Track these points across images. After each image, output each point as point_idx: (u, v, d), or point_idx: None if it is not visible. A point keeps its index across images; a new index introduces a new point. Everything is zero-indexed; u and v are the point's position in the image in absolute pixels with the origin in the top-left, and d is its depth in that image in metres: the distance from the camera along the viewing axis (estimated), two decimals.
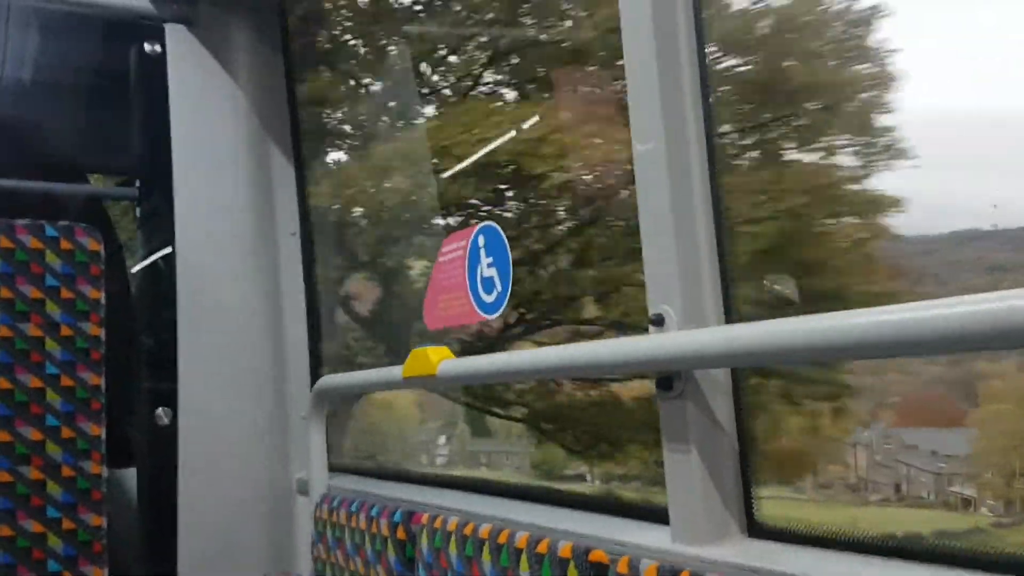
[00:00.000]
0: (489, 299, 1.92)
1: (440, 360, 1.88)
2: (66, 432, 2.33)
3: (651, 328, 1.33)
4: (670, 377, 1.30)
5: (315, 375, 2.88)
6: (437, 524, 1.77)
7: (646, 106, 1.36)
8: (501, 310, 1.87)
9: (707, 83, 1.36)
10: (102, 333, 2.39)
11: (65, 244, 2.38)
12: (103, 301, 2.40)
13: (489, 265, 1.93)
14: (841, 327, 1.01)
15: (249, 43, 2.89)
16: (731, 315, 1.32)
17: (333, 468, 2.57)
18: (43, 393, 2.32)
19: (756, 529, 1.29)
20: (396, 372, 2.04)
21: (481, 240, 1.97)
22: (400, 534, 1.93)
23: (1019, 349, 0.84)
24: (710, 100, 1.36)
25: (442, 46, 4.04)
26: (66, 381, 2.34)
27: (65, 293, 2.36)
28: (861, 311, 0.99)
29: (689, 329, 1.29)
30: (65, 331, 2.35)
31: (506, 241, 1.90)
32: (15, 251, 2.33)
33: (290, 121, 2.97)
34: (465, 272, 2.00)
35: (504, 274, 1.87)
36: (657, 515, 1.41)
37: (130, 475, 2.81)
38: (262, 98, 2.90)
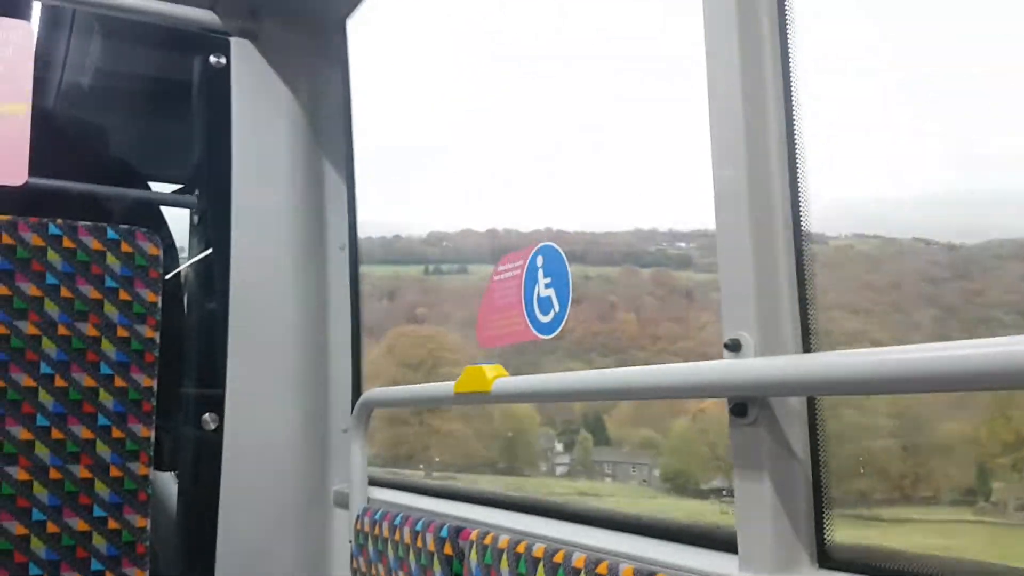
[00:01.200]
0: (545, 319, 1.93)
1: (495, 377, 1.89)
2: (116, 432, 2.35)
3: (725, 353, 1.32)
4: (744, 404, 1.29)
5: (357, 388, 2.89)
6: (487, 541, 1.76)
7: (727, 130, 1.37)
8: (558, 331, 1.88)
9: (791, 105, 1.37)
10: (157, 336, 2.41)
11: (125, 247, 2.41)
12: (159, 304, 2.43)
13: (547, 285, 1.93)
14: (922, 359, 1.00)
15: (310, 59, 2.95)
16: (809, 343, 1.32)
17: (372, 482, 2.57)
18: (96, 393, 2.34)
19: (827, 560, 1.27)
20: (447, 388, 2.05)
21: (540, 260, 1.98)
22: (447, 550, 1.92)
23: None
24: (793, 122, 1.36)
25: None
26: (119, 382, 2.37)
27: (123, 295, 2.39)
28: (944, 344, 0.98)
29: (765, 356, 1.28)
30: (121, 332, 2.38)
31: (566, 261, 1.91)
32: (76, 251, 2.37)
33: (345, 136, 3.01)
34: (522, 291, 2.01)
35: (562, 295, 1.87)
36: (725, 543, 1.39)
37: (172, 479, 2.83)
38: (320, 113, 2.95)
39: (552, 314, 1.93)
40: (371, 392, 2.46)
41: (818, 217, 1.33)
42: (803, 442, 1.29)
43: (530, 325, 2.00)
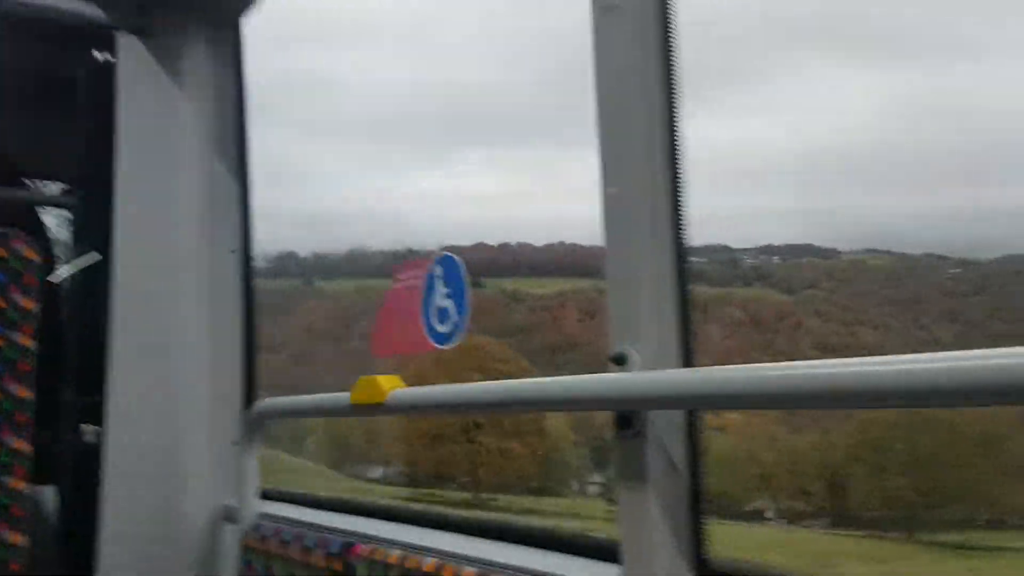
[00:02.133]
0: (443, 329, 1.93)
1: (391, 388, 1.87)
2: None
3: (611, 366, 1.35)
4: (629, 416, 1.32)
5: (250, 398, 2.82)
6: (378, 556, 1.74)
7: (615, 149, 1.40)
8: (455, 341, 1.88)
9: (676, 127, 1.41)
10: (33, 345, 2.30)
11: (0, 251, 2.29)
12: (36, 312, 2.31)
13: (446, 296, 1.93)
14: (800, 376, 1.05)
15: (203, 57, 2.85)
16: (690, 358, 1.36)
17: (265, 496, 2.51)
18: None
19: (706, 570, 1.31)
20: (342, 398, 2.02)
21: (439, 270, 1.98)
22: (337, 566, 1.89)
23: (1000, 405, 0.88)
24: (678, 144, 1.40)
25: None
26: None
27: None
28: (822, 362, 1.03)
29: (650, 370, 1.32)
30: None
31: (465, 272, 1.91)
32: None
33: (239, 138, 2.93)
34: (420, 301, 2.00)
35: (461, 305, 1.88)
36: (607, 553, 1.42)
37: (52, 493, 2.69)
38: (212, 113, 2.86)
39: (450, 324, 1.93)
40: (262, 402, 2.40)
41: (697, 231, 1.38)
42: (683, 455, 1.33)
43: (427, 335, 1.99)
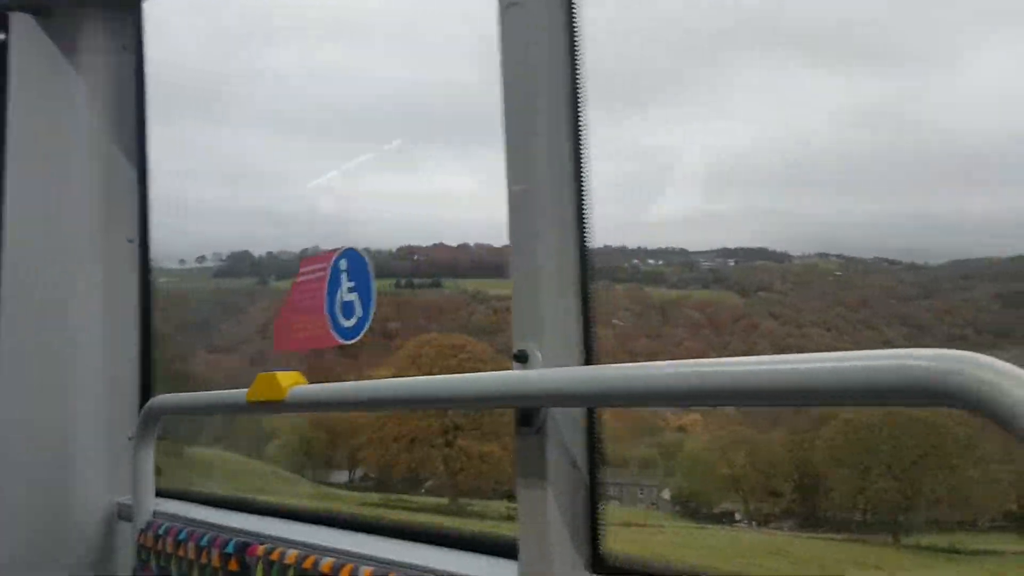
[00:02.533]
0: (348, 324, 1.89)
1: (290, 385, 1.83)
2: None
3: (514, 364, 1.35)
4: (530, 413, 1.33)
5: (146, 393, 2.72)
6: (274, 556, 1.70)
7: (520, 147, 1.40)
8: (360, 335, 1.85)
9: (579, 126, 1.41)
10: None
11: None
12: None
13: (350, 290, 1.90)
14: (698, 374, 1.07)
15: (101, 39, 2.74)
16: (591, 356, 1.37)
17: (161, 493, 2.42)
18: None
19: (600, 565, 1.32)
20: (239, 395, 1.96)
21: (343, 263, 1.94)
22: (233, 566, 1.84)
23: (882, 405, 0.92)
24: (582, 142, 1.41)
25: None
26: None
27: None
28: (717, 360, 1.05)
29: (552, 367, 1.32)
30: None
31: (370, 265, 1.88)
32: None
33: (137, 124, 2.83)
34: (324, 295, 1.96)
35: (366, 299, 1.85)
36: (506, 550, 1.42)
37: None
38: (110, 97, 2.75)
39: (355, 319, 1.90)
40: (158, 398, 2.31)
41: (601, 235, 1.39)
42: (583, 452, 1.33)
43: (332, 330, 1.95)
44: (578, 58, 1.42)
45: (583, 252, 1.38)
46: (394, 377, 1.65)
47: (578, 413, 1.34)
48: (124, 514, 2.57)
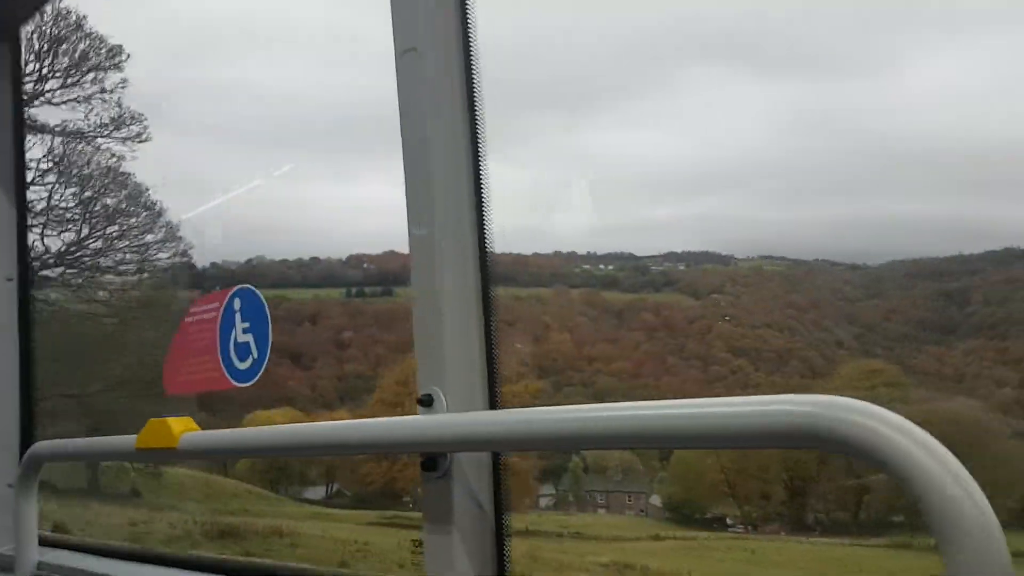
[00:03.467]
0: (243, 366, 1.85)
1: (182, 431, 1.77)
2: None
3: (419, 408, 1.35)
4: (435, 458, 1.33)
5: (28, 439, 2.57)
6: None
7: (420, 191, 1.40)
8: (256, 378, 1.80)
9: (480, 170, 1.43)
10: None
11: None
12: None
13: (245, 331, 1.85)
14: (596, 419, 1.09)
15: None
16: (496, 400, 1.38)
17: (45, 542, 2.29)
18: None
19: None
20: (127, 442, 1.88)
21: (237, 303, 1.90)
22: None
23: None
24: (483, 188, 1.42)
25: None
26: None
27: None
28: (613, 405, 1.08)
29: (457, 412, 1.32)
30: None
31: (266, 305, 1.84)
32: None
33: (14, 155, 2.69)
34: (217, 336, 1.91)
35: (262, 341, 1.81)
36: None
37: None
38: None
39: (250, 361, 1.86)
40: (40, 445, 2.19)
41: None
42: (488, 495, 1.34)
43: (225, 372, 1.90)
44: (476, 102, 1.43)
45: (486, 297, 1.39)
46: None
47: (484, 456, 1.35)
48: (5, 565, 2.41)
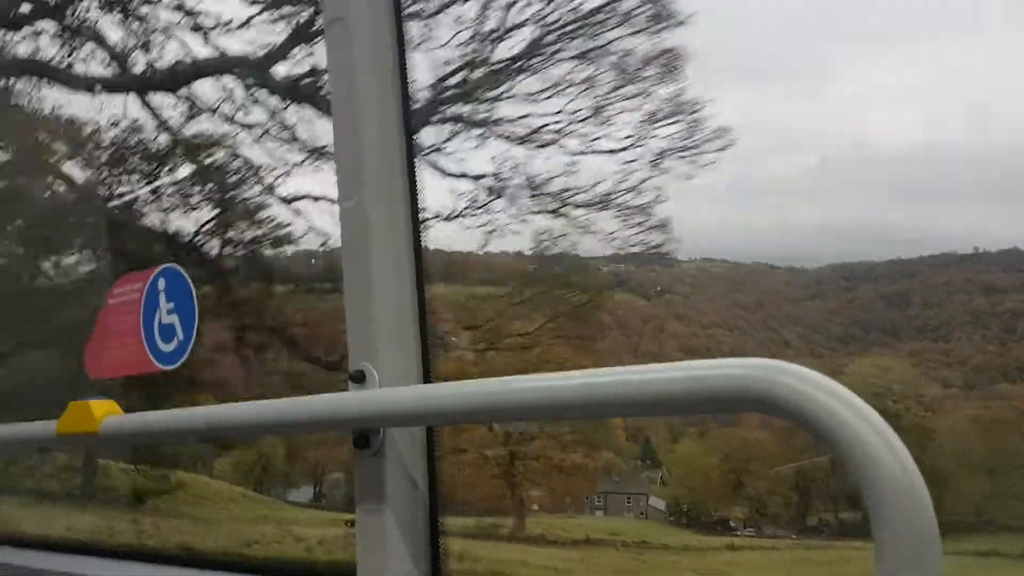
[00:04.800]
0: (168, 348, 1.79)
1: (105, 415, 1.70)
2: None
3: (351, 385, 1.32)
4: (367, 435, 1.30)
5: None
6: None
7: (350, 164, 1.37)
8: (182, 360, 1.75)
9: (412, 145, 1.41)
10: None
11: None
12: None
13: (170, 312, 1.79)
14: (533, 389, 1.09)
15: None
16: (429, 375, 1.36)
17: None
18: None
19: None
20: (49, 428, 1.81)
21: (161, 283, 1.83)
22: None
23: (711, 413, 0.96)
24: (414, 159, 1.40)
25: None
26: None
27: None
28: (549, 375, 1.07)
29: (390, 387, 1.30)
30: None
31: (191, 285, 1.78)
32: None
33: None
34: (140, 317, 1.84)
35: (188, 321, 1.75)
36: (345, 574, 1.39)
37: None
38: None
39: (175, 342, 1.80)
40: None
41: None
42: (423, 471, 1.32)
43: (150, 354, 1.84)
44: (407, 72, 1.41)
45: (418, 270, 1.37)
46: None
47: (417, 432, 1.33)
48: None
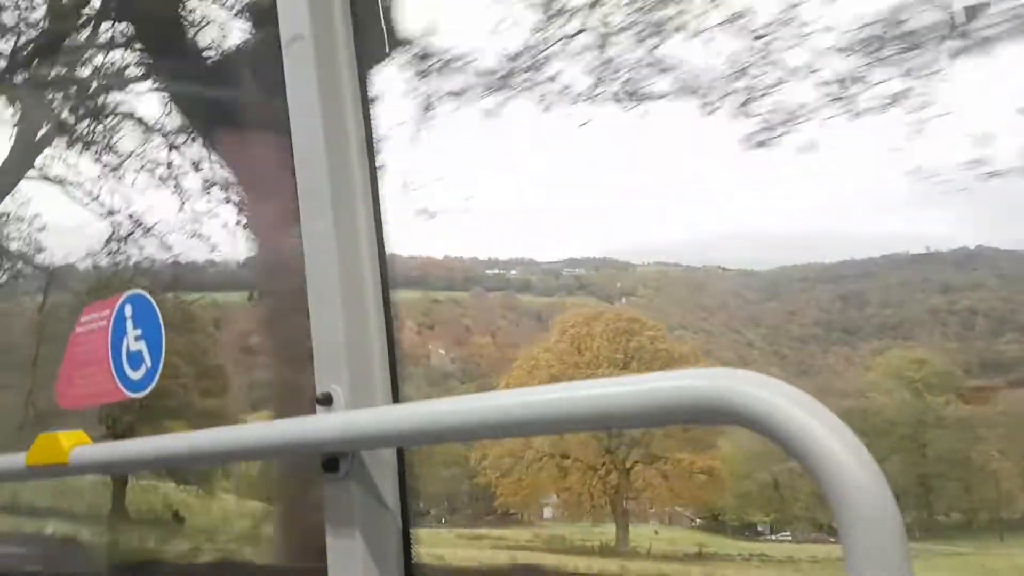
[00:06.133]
0: (136, 376, 1.76)
1: (73, 446, 1.67)
2: None
3: (318, 408, 1.30)
4: (336, 458, 1.28)
5: None
6: None
7: (311, 182, 1.36)
8: (150, 388, 1.72)
9: (373, 162, 1.40)
10: None
11: None
12: None
13: (137, 338, 1.77)
14: (499, 407, 1.07)
15: None
16: (398, 395, 1.34)
17: None
18: None
19: None
20: (17, 460, 1.78)
21: (128, 310, 1.81)
22: None
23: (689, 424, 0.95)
24: (377, 179, 1.39)
25: None
26: None
27: None
28: (516, 391, 1.06)
29: (357, 409, 1.28)
30: None
31: (158, 311, 1.76)
32: None
33: None
34: (108, 345, 1.82)
35: (155, 348, 1.73)
36: None
37: None
38: None
39: (144, 370, 1.77)
40: None
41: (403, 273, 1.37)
42: (394, 493, 1.30)
43: (119, 383, 1.81)
44: (367, 85, 1.40)
45: (384, 289, 1.35)
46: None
47: (388, 454, 1.31)
48: None
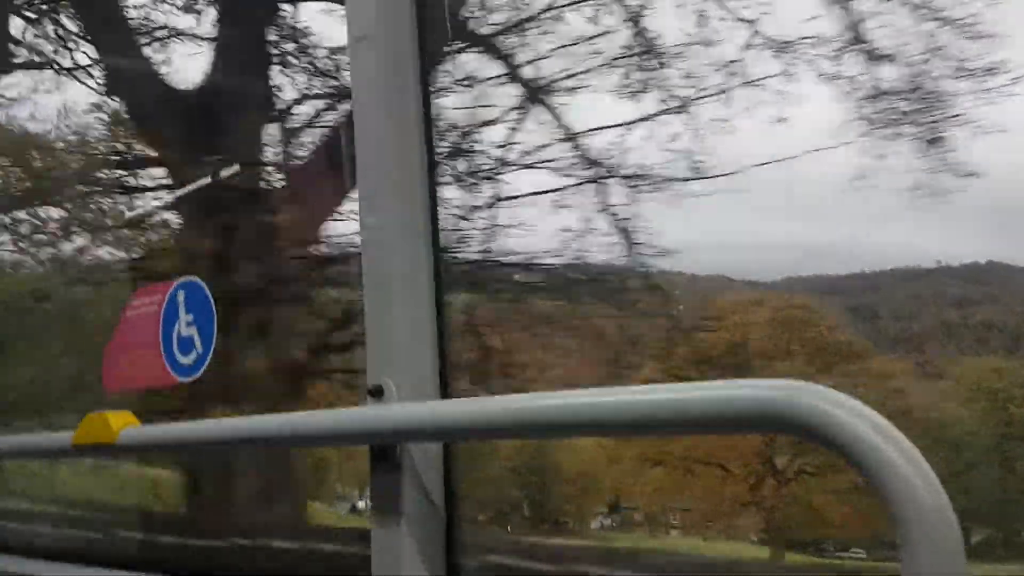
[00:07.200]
0: (186, 361, 1.79)
1: (122, 426, 1.71)
2: None
3: (369, 399, 1.32)
4: (385, 449, 1.30)
5: None
6: None
7: (375, 179, 1.38)
8: (200, 372, 1.75)
9: (434, 158, 1.41)
10: None
11: None
12: None
13: (188, 324, 1.80)
14: (553, 407, 1.08)
15: None
16: (447, 390, 1.36)
17: None
18: None
19: None
20: (64, 439, 1.82)
21: (181, 296, 1.84)
22: None
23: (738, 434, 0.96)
24: (436, 175, 1.41)
25: None
26: None
27: None
28: (571, 392, 1.07)
29: (408, 401, 1.30)
30: None
31: (211, 297, 1.79)
32: None
33: None
34: (159, 330, 1.85)
35: (206, 334, 1.76)
36: None
37: None
38: None
39: (194, 355, 1.80)
40: None
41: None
42: (439, 487, 1.32)
43: (168, 367, 1.84)
44: (429, 88, 1.42)
45: (438, 285, 1.37)
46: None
47: (435, 448, 1.33)
48: None
